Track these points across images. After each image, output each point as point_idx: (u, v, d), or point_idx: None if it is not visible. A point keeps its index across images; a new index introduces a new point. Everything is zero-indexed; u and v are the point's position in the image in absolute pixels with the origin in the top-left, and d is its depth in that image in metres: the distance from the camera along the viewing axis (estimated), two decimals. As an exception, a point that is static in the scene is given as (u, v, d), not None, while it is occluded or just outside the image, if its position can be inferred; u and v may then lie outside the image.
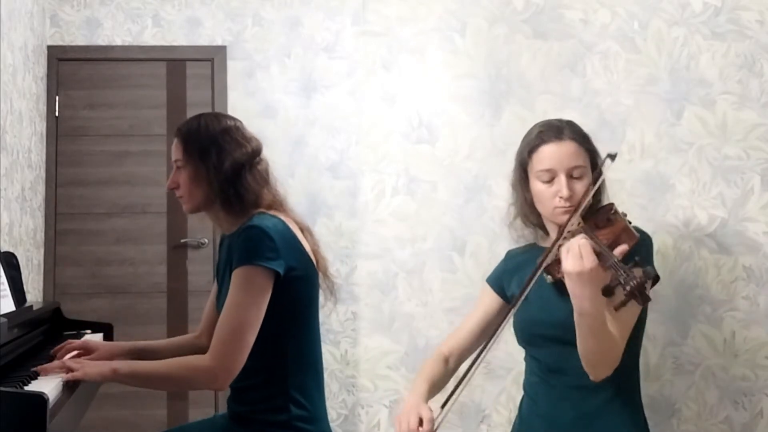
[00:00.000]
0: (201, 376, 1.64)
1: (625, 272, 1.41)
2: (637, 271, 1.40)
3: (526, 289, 1.64)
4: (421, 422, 1.62)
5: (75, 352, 1.86)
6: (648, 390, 2.87)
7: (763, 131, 3.02)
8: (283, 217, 1.77)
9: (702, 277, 2.96)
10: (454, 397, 1.66)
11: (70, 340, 1.90)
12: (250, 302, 1.65)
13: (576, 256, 1.50)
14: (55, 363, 1.67)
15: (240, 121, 1.88)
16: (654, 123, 3.07)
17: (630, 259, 1.47)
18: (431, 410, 1.66)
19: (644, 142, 3.06)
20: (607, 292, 1.43)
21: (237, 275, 1.66)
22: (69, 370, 1.63)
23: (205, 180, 1.79)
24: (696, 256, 2.98)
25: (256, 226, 1.68)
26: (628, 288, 1.38)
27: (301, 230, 1.81)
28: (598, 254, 1.50)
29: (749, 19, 3.06)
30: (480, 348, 1.72)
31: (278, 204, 1.83)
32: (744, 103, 3.03)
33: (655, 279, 1.43)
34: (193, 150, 1.80)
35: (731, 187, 3.01)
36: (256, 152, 1.85)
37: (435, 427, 1.63)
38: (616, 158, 1.69)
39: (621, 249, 1.50)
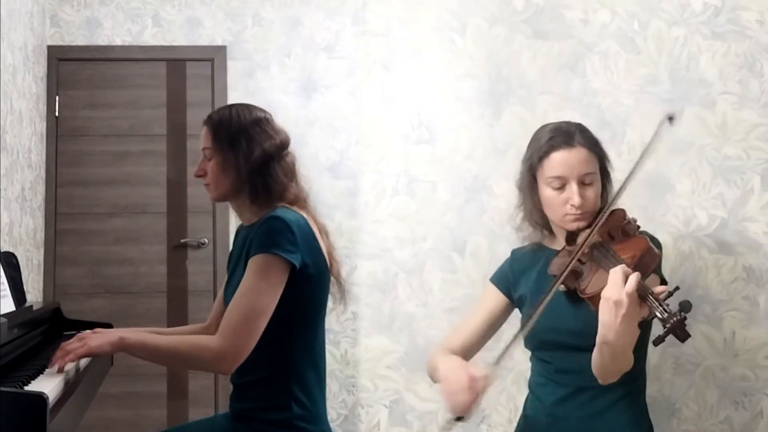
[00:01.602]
0: (208, 356, 1.62)
1: (660, 305, 1.39)
2: (674, 305, 1.37)
3: (541, 304, 1.59)
4: (472, 382, 1.53)
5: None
6: (648, 390, 2.86)
7: (763, 131, 3.02)
8: (305, 214, 1.78)
9: (702, 277, 2.96)
10: (503, 357, 1.58)
11: (81, 333, 1.89)
12: (264, 289, 1.65)
13: (620, 286, 1.45)
14: (60, 351, 1.64)
15: (270, 114, 1.89)
16: (654, 123, 3.05)
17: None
18: (479, 368, 1.57)
19: (644, 142, 3.05)
20: (644, 325, 1.40)
21: (254, 262, 1.67)
22: (73, 351, 1.60)
23: (233, 169, 1.79)
24: (696, 256, 2.97)
25: (279, 217, 1.69)
26: (668, 326, 1.36)
27: (319, 230, 1.82)
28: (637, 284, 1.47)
29: (749, 19, 3.06)
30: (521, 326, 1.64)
31: (302, 200, 1.84)
32: (744, 103, 3.03)
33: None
34: (223, 138, 1.81)
35: (731, 187, 3.00)
36: (285, 144, 1.86)
37: (488, 383, 1.54)
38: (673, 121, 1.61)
39: (661, 290, 1.45)
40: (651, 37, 3.12)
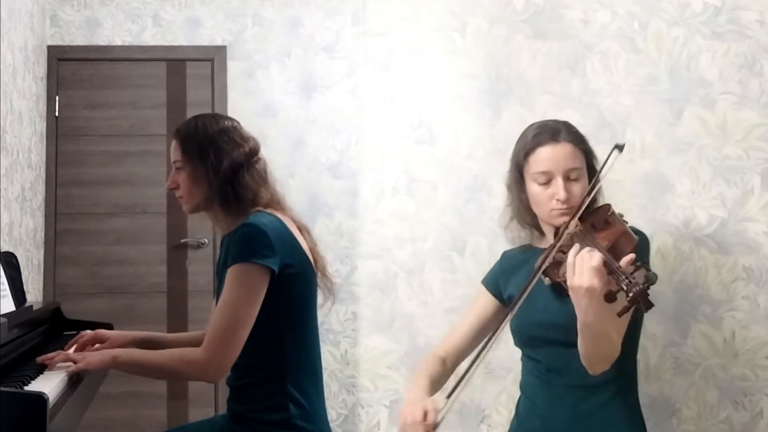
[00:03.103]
0: (193, 369, 1.68)
1: (627, 278, 1.39)
2: (639, 277, 1.38)
3: (524, 293, 1.61)
4: (425, 415, 1.58)
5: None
6: (648, 390, 2.87)
7: (763, 131, 3.01)
8: (280, 216, 1.79)
9: (702, 277, 2.95)
10: (457, 390, 1.62)
11: (83, 332, 1.93)
12: (243, 299, 1.67)
13: (587, 271, 1.46)
14: (60, 355, 1.69)
15: (237, 121, 1.90)
16: (654, 123, 3.06)
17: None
18: (434, 402, 1.63)
19: (644, 142, 3.06)
20: (610, 297, 1.39)
21: (231, 272, 1.68)
22: (72, 361, 1.66)
23: (204, 180, 1.81)
24: (696, 256, 2.97)
25: (252, 223, 1.70)
26: (631, 294, 1.35)
27: (299, 229, 1.83)
28: (603, 262, 1.47)
29: (749, 19, 3.06)
30: (480, 347, 1.68)
31: (276, 203, 1.85)
32: (744, 103, 3.02)
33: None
34: (192, 151, 1.82)
35: (731, 187, 3.00)
36: (254, 151, 1.87)
37: (440, 418, 1.59)
38: (623, 150, 1.65)
39: (628, 259, 1.44)
40: (651, 37, 3.12)
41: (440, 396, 1.71)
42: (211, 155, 1.79)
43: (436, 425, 1.58)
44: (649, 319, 1.63)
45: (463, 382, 1.62)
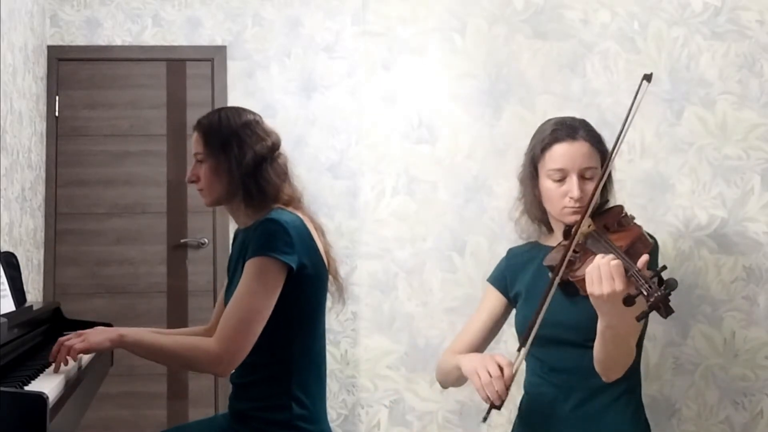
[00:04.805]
0: (204, 358, 1.64)
1: (647, 283, 1.39)
2: (660, 282, 1.37)
3: (545, 300, 1.60)
4: (501, 370, 1.57)
5: None
6: (648, 390, 2.86)
7: (763, 131, 3.01)
8: (300, 215, 1.79)
9: (702, 277, 2.96)
10: (528, 342, 1.60)
11: (79, 332, 1.91)
12: (261, 292, 1.66)
13: (607, 277, 1.46)
14: (59, 349, 1.65)
15: (260, 116, 1.90)
16: (654, 123, 3.07)
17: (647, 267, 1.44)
18: (503, 355, 1.61)
19: (644, 142, 3.06)
20: (629, 301, 1.38)
21: (250, 265, 1.67)
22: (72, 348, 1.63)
23: (226, 173, 1.80)
24: (696, 256, 2.97)
25: (275, 219, 1.69)
26: (652, 300, 1.35)
27: (315, 230, 1.82)
28: (622, 266, 1.47)
29: (749, 19, 3.06)
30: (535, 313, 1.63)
31: (296, 200, 1.85)
32: (744, 103, 3.03)
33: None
34: (215, 143, 1.81)
35: (731, 187, 3.00)
36: (276, 146, 1.86)
37: (515, 370, 1.58)
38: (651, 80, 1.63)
39: (644, 260, 1.45)
40: (651, 37, 3.12)
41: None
42: (234, 148, 1.79)
43: (512, 378, 1.57)
44: (649, 319, 1.62)
45: (532, 334, 1.60)
